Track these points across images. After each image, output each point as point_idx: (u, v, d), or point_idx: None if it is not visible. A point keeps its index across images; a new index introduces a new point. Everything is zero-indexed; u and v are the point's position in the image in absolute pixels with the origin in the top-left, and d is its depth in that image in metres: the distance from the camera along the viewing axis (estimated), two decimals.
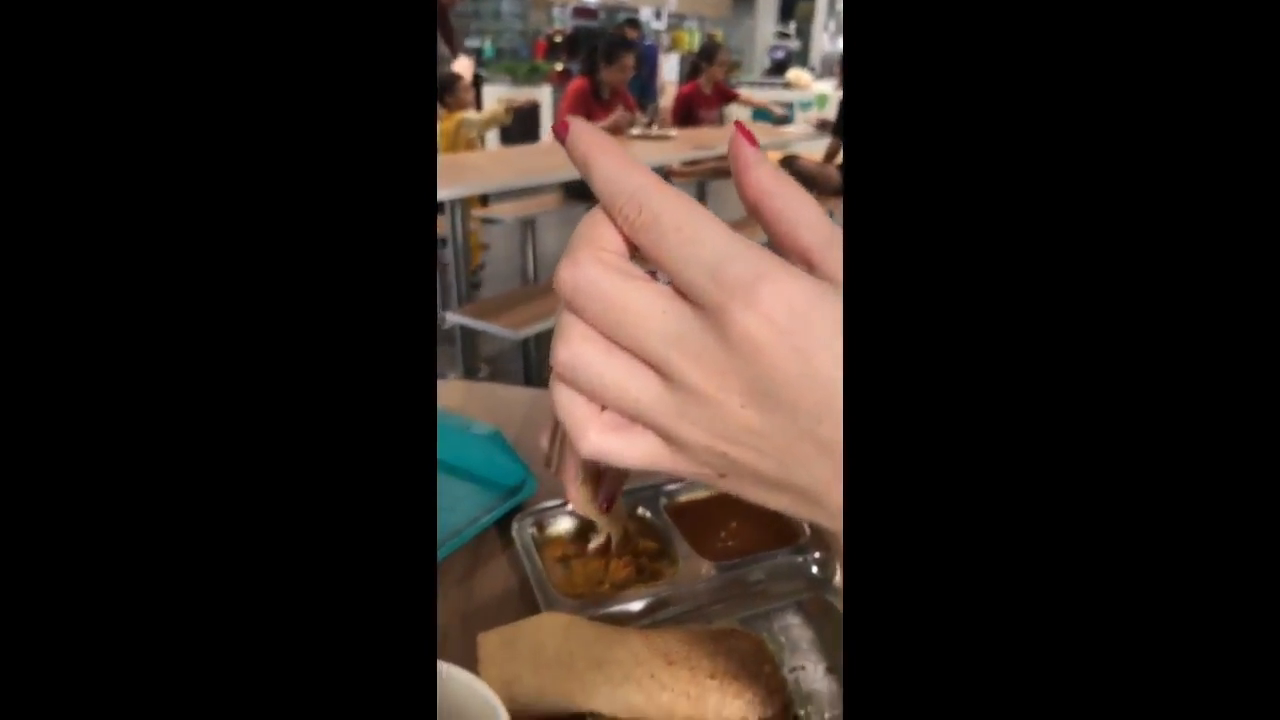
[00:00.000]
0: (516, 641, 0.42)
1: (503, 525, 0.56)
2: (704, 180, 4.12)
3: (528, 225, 3.33)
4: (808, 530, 0.54)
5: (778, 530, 0.56)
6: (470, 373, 2.64)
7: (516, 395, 0.83)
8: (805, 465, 0.20)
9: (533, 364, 2.32)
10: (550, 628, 0.43)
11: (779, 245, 0.23)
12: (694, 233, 0.20)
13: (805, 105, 6.34)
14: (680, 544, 0.52)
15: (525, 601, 0.49)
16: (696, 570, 0.50)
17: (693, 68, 4.11)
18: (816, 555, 0.51)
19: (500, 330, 2.03)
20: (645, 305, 0.20)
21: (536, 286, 2.68)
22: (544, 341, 2.38)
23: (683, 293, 0.20)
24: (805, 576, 0.51)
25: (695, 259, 0.20)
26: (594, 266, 0.21)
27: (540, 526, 0.55)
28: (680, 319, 0.20)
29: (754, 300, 0.19)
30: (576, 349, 0.21)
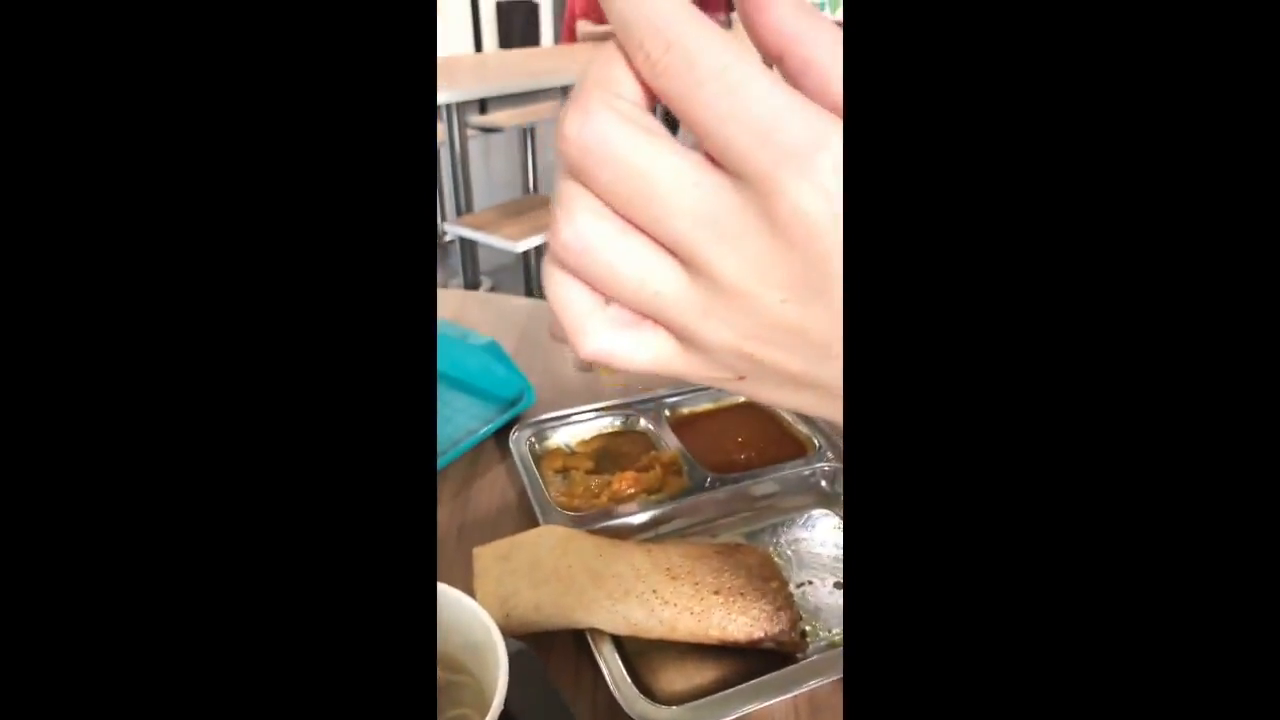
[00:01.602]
0: (513, 556, 0.40)
1: (500, 437, 0.54)
2: None
3: (527, 134, 3.21)
4: (818, 443, 0.52)
5: (786, 443, 0.54)
6: (471, 286, 2.60)
7: (515, 305, 0.80)
8: (838, 359, 0.17)
9: (534, 277, 2.27)
10: (548, 542, 0.41)
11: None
12: (738, 81, 0.16)
13: (818, 7, 6.04)
14: (684, 457, 0.50)
15: (523, 515, 0.47)
16: (701, 483, 0.48)
17: None
18: (826, 468, 0.49)
19: (500, 242, 1.97)
20: (672, 175, 0.16)
21: (538, 197, 2.61)
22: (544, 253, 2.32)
23: (718, 160, 0.16)
24: (815, 490, 0.49)
25: (738, 115, 0.16)
26: (608, 119, 0.17)
27: (539, 438, 0.53)
28: (715, 194, 0.16)
29: (810, 170, 0.15)
30: (582, 227, 0.18)
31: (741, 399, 0.58)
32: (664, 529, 0.46)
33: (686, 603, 0.38)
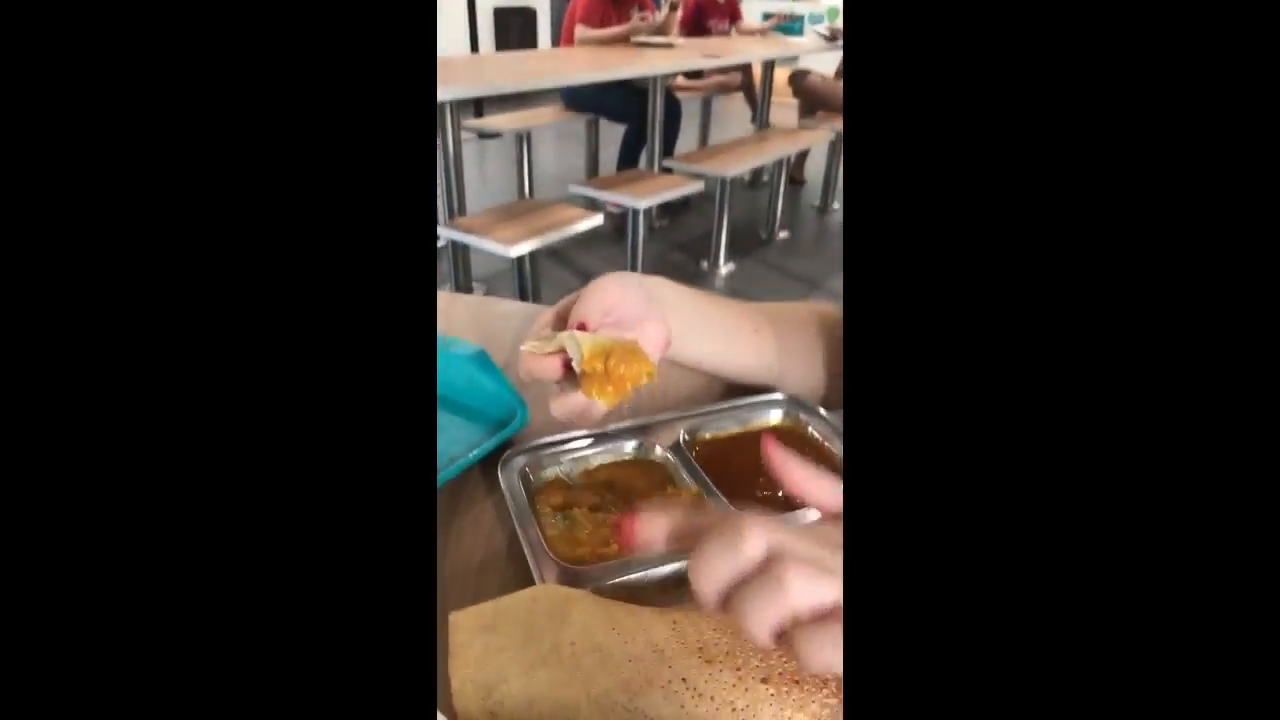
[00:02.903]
0: (499, 626, 0.31)
1: (488, 465, 0.45)
2: (709, 96, 3.88)
3: (523, 139, 3.13)
4: None
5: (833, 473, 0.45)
6: (462, 291, 2.51)
7: (507, 310, 0.71)
8: None
9: (527, 284, 2.19)
10: (544, 607, 0.32)
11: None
12: None
13: (816, 18, 6.02)
14: (709, 493, 0.41)
15: (514, 566, 0.38)
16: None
17: None
18: None
19: (494, 246, 1.89)
20: None
21: (532, 201, 2.52)
22: (538, 260, 2.27)
23: None
24: None
25: None
26: None
27: (534, 467, 0.44)
28: None
29: None
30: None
31: (771, 421, 0.50)
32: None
33: (726, 694, 0.29)
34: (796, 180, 3.95)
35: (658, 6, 3.30)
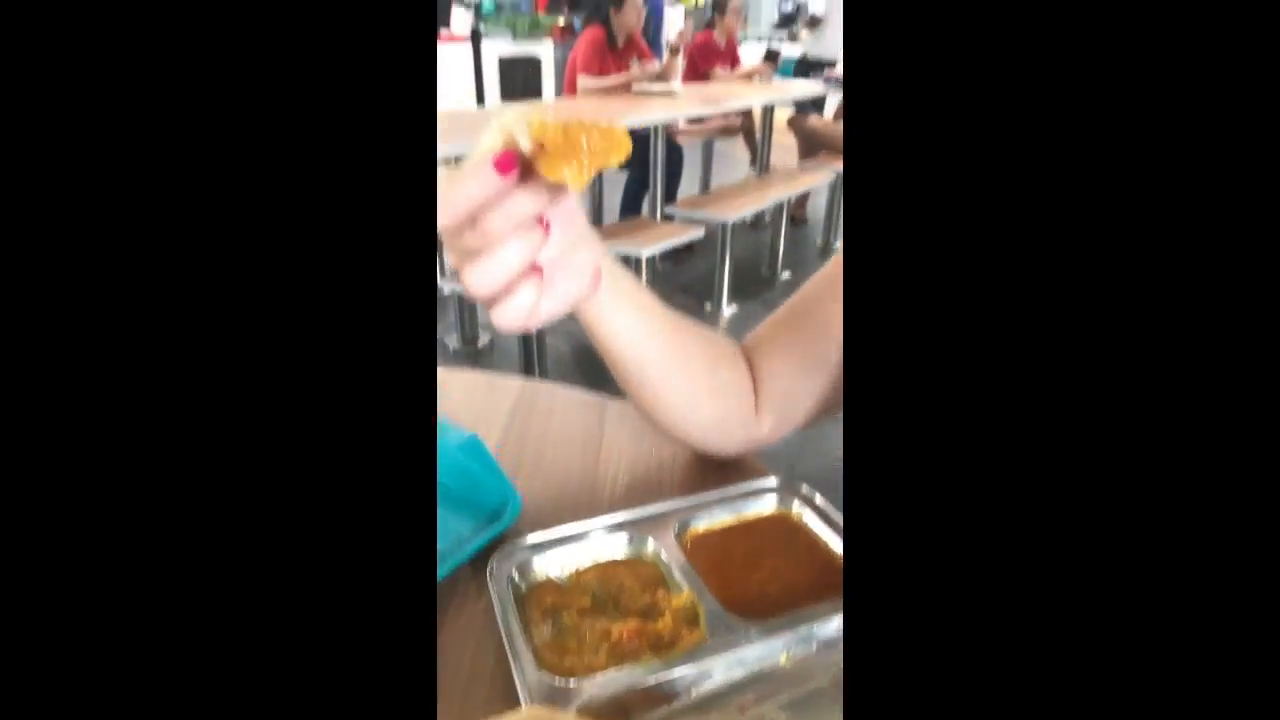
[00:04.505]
0: None
1: (477, 563, 0.45)
2: (710, 139, 3.94)
3: None
4: None
5: (819, 567, 0.44)
6: (469, 341, 2.53)
7: (504, 385, 0.71)
8: None
9: (532, 332, 2.20)
10: None
11: None
12: None
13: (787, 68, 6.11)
14: (705, 595, 0.40)
15: (503, 677, 0.37)
16: (732, 634, 0.38)
17: (708, 21, 3.88)
18: None
19: None
20: None
21: None
22: None
23: None
24: None
25: None
26: None
27: (523, 570, 0.44)
28: None
29: None
30: None
31: (765, 509, 0.49)
32: (690, 699, 0.36)
33: None
34: (798, 220, 3.98)
35: (656, 55, 3.37)
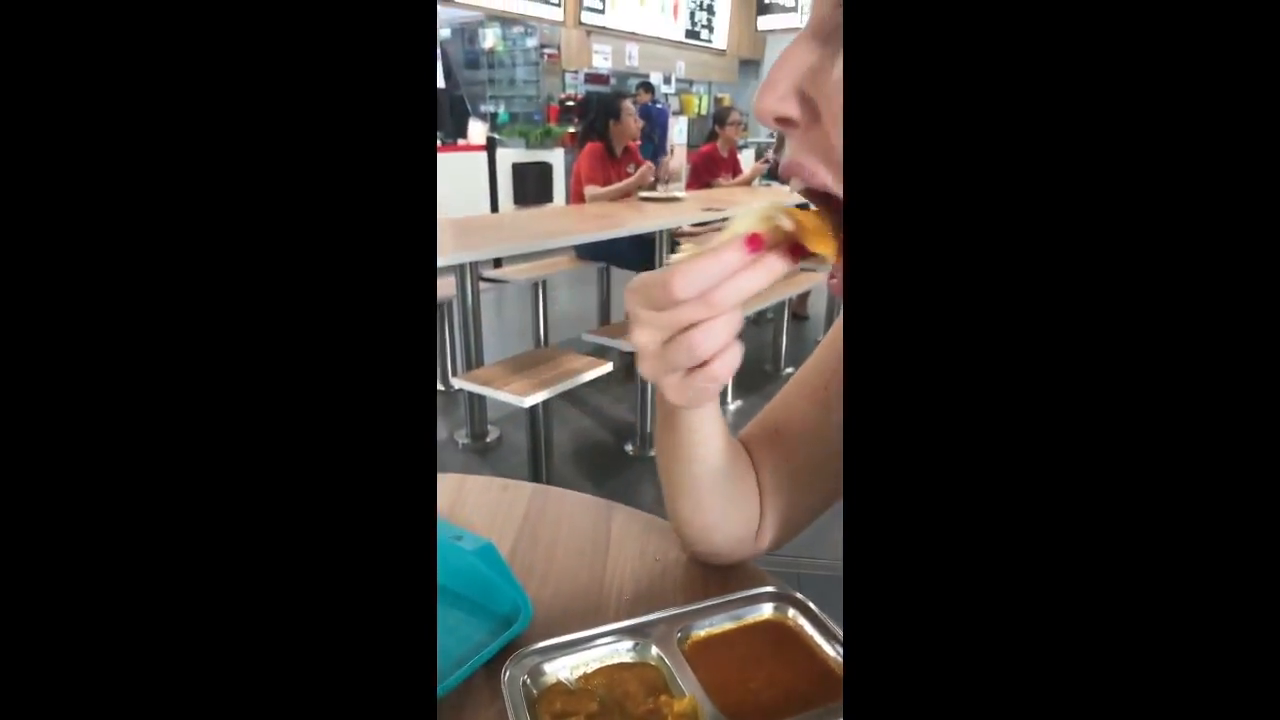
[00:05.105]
0: None
1: (490, 668, 0.48)
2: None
3: (538, 285, 3.30)
4: None
5: (816, 676, 0.47)
6: (478, 436, 2.57)
7: (517, 493, 0.75)
8: None
9: (540, 427, 2.24)
10: None
11: None
12: None
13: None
14: (704, 702, 0.43)
15: None
16: None
17: (710, 133, 4.13)
18: None
19: (508, 397, 1.95)
20: None
21: (543, 351, 2.62)
22: (551, 407, 2.33)
23: None
24: None
25: None
26: None
27: (534, 675, 0.46)
28: None
29: None
30: None
31: (763, 615, 0.52)
32: None
33: None
34: (800, 315, 4.08)
35: (648, 158, 3.59)
